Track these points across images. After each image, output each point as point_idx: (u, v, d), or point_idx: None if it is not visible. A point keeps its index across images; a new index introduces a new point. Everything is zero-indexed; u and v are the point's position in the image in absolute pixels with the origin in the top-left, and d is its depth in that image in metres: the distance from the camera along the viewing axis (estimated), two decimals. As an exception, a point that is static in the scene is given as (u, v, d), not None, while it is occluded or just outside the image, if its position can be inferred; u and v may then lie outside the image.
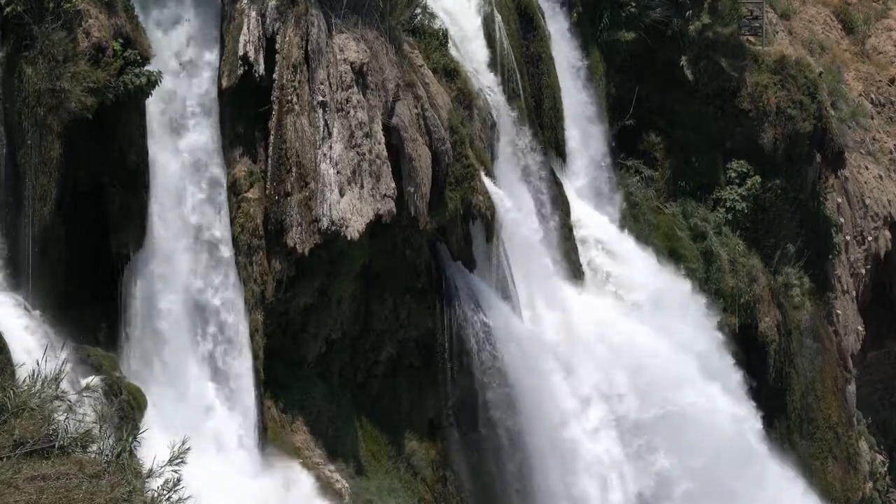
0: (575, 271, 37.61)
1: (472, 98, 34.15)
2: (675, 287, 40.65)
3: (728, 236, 43.65)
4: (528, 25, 38.16)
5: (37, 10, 24.72)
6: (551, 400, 33.90)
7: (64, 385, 14.16)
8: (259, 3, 28.62)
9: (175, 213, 27.53)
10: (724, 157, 44.41)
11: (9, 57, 24.91)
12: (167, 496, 12.98)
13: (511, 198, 34.72)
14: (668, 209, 43.18)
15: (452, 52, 34.46)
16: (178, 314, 27.50)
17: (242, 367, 28.16)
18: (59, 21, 24.89)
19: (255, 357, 28.34)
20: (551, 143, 38.55)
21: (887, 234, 51.53)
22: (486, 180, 33.49)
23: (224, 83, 28.11)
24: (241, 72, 28.24)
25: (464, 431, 33.05)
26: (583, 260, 38.31)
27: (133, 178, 26.39)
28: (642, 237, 40.99)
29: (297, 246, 28.51)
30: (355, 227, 28.92)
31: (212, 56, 28.31)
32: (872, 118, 53.72)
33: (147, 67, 26.03)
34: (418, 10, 33.23)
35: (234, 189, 28.43)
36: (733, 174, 44.24)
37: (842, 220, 48.51)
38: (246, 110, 28.80)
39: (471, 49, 35.83)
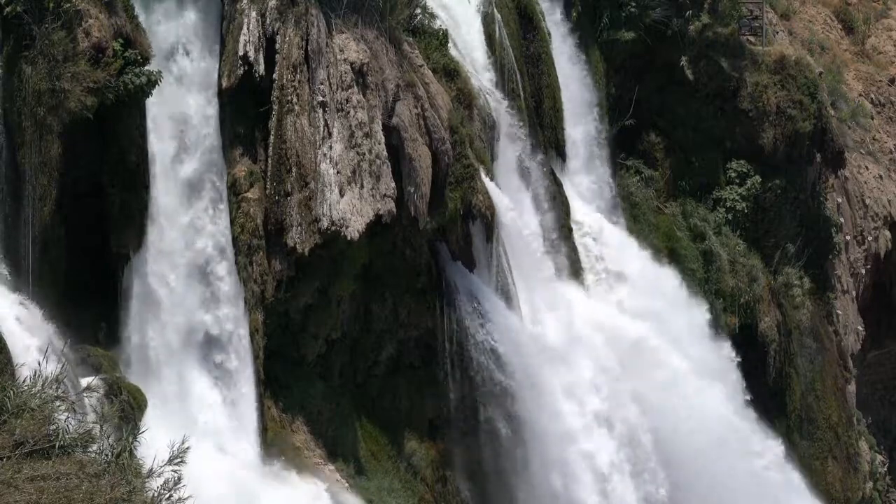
0: (574, 271, 37.61)
1: (472, 98, 34.14)
2: (675, 286, 40.67)
3: (728, 236, 43.65)
4: (528, 25, 38.17)
5: (37, 10, 24.72)
6: (551, 399, 33.89)
7: (65, 385, 14.15)
8: (259, 3, 28.61)
9: None
10: (724, 157, 44.41)
11: (9, 57, 24.91)
12: (167, 496, 12.97)
13: (511, 198, 34.72)
14: (668, 209, 43.18)
15: (452, 52, 34.45)
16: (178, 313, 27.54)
17: (242, 366, 28.15)
18: (59, 21, 24.89)
19: (255, 357, 28.33)
20: (551, 142, 38.55)
21: (887, 234, 51.53)
22: (486, 180, 33.48)
23: (224, 83, 28.11)
24: (241, 72, 28.24)
25: (464, 431, 33.04)
26: (582, 259, 38.30)
27: (133, 178, 26.40)
28: (642, 237, 41.00)
29: (297, 246, 28.51)
30: (355, 227, 28.92)
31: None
32: (872, 118, 53.72)
33: (147, 67, 26.02)
34: (418, 10, 33.22)
35: (234, 189, 28.43)
36: (733, 174, 44.25)
37: (842, 220, 48.51)
38: (246, 110, 28.80)
39: (471, 49, 35.83)
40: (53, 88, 24.79)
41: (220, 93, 28.18)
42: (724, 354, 41.00)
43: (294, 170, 28.57)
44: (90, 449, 13.29)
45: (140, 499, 12.79)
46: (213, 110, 28.19)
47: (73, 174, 25.64)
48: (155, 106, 26.75)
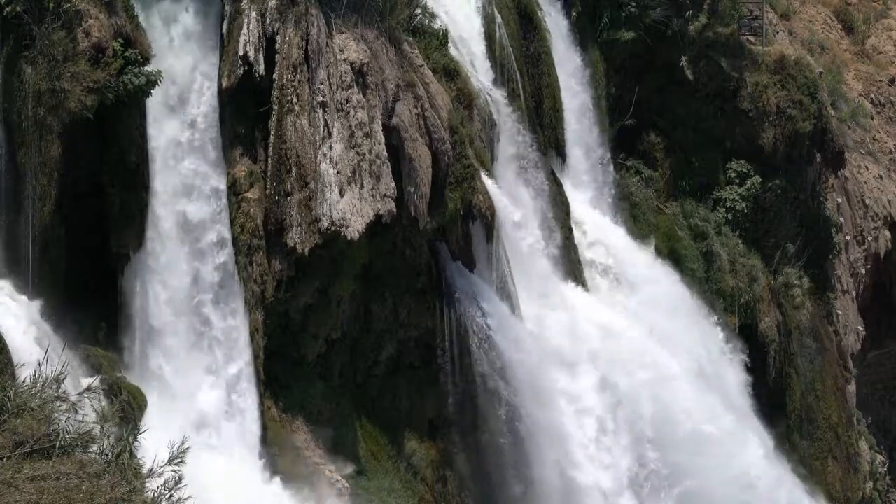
0: (575, 271, 37.60)
1: (472, 98, 34.13)
2: (674, 286, 40.70)
3: (728, 236, 43.65)
4: (528, 25, 38.17)
5: (37, 10, 24.72)
6: (551, 399, 33.90)
7: (65, 385, 14.15)
8: (259, 3, 28.60)
9: None
10: (724, 157, 44.42)
11: (9, 57, 24.90)
12: (168, 495, 12.97)
13: (511, 197, 34.72)
14: (668, 209, 43.18)
15: (452, 52, 34.45)
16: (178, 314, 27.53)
17: (242, 367, 28.15)
18: (59, 21, 24.89)
19: (255, 357, 28.33)
20: (551, 142, 38.55)
21: (887, 234, 51.53)
22: (486, 180, 33.48)
23: (224, 83, 28.10)
24: (241, 72, 28.23)
25: (464, 431, 33.03)
26: (582, 259, 38.30)
27: (133, 178, 26.40)
28: (642, 237, 41.00)
29: (297, 246, 28.50)
30: (355, 227, 28.91)
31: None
32: (872, 118, 53.72)
33: (147, 67, 26.01)
34: (418, 10, 33.21)
35: (234, 189, 28.42)
36: (733, 174, 44.25)
37: (842, 220, 48.51)
38: (246, 110, 28.79)
39: (471, 49, 35.83)
40: (53, 88, 24.80)
41: (220, 93, 28.18)
42: (726, 352, 41.03)
43: (294, 170, 28.57)
44: (90, 449, 13.29)
45: (140, 499, 12.79)
46: None
47: (73, 174, 25.64)
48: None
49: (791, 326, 44.72)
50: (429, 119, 31.00)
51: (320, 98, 28.97)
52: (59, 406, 13.73)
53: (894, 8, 58.60)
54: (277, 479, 28.18)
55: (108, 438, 13.43)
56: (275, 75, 28.67)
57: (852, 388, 48.61)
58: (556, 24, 39.88)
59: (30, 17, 24.65)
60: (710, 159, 44.21)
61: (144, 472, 13.18)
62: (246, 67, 28.27)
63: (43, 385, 13.61)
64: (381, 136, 29.76)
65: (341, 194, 28.85)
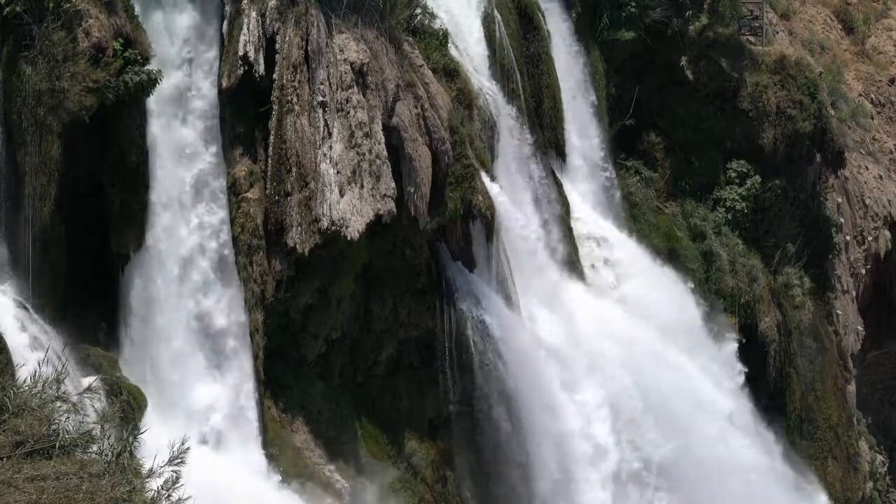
0: (575, 271, 37.60)
1: (472, 98, 34.13)
2: (674, 285, 40.70)
3: (728, 236, 43.65)
4: (528, 25, 38.17)
5: (37, 10, 24.72)
6: (551, 399, 33.90)
7: (65, 385, 14.16)
8: (259, 3, 28.60)
9: None
10: (724, 157, 44.42)
11: (9, 57, 24.90)
12: (166, 495, 12.97)
13: (511, 197, 34.71)
14: (668, 209, 43.18)
15: (452, 52, 34.45)
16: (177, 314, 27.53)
17: (242, 367, 28.15)
18: (59, 21, 24.89)
19: (255, 357, 28.33)
20: (551, 142, 38.55)
21: (887, 234, 51.53)
22: (487, 180, 33.48)
23: (224, 83, 28.10)
24: (241, 72, 28.23)
25: (464, 431, 33.03)
26: (582, 259, 38.30)
27: (133, 178, 26.40)
28: (642, 237, 41.00)
29: (297, 246, 28.50)
30: (355, 227, 28.91)
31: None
32: (872, 118, 53.72)
33: (147, 66, 26.01)
34: (418, 10, 33.21)
35: (234, 189, 28.42)
36: (733, 174, 44.25)
37: (842, 220, 48.51)
38: (246, 110, 28.79)
39: (471, 49, 35.82)
40: (53, 88, 24.80)
41: (220, 93, 28.18)
42: (725, 350, 41.04)
43: (294, 170, 28.57)
44: (90, 449, 13.29)
45: (140, 499, 12.80)
46: None
47: (73, 174, 25.63)
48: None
49: (791, 326, 44.72)
50: (429, 119, 31.00)
51: (320, 98, 28.97)
52: (60, 406, 13.74)
53: (894, 8, 58.61)
54: (277, 479, 28.17)
55: (108, 438, 13.43)
56: (275, 75, 28.68)
57: (852, 388, 48.61)
58: (556, 24, 39.88)
59: (30, 17, 24.65)
60: (710, 159, 44.21)
61: (144, 471, 13.19)
62: (246, 67, 28.27)
63: (43, 385, 13.61)
64: (381, 136, 29.76)
65: (341, 194, 28.85)
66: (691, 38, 43.33)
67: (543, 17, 38.90)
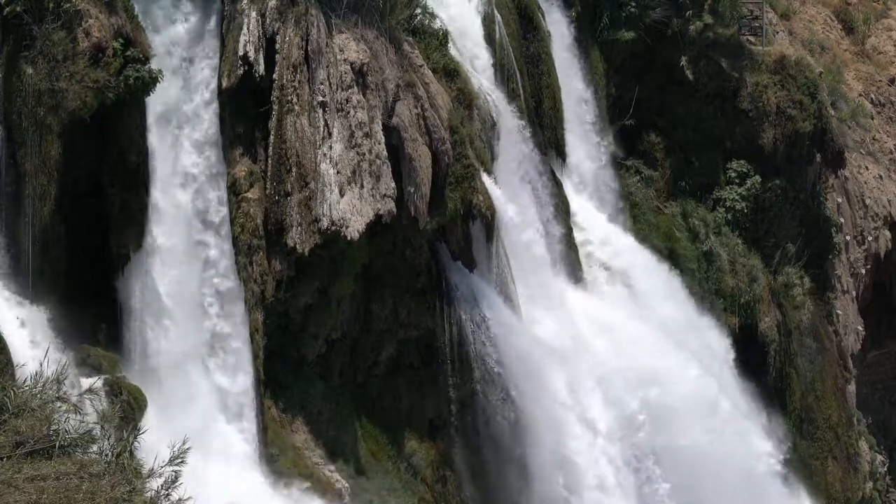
0: (575, 270, 37.60)
1: (472, 98, 34.13)
2: (675, 284, 40.73)
3: (728, 236, 43.64)
4: (528, 25, 38.17)
5: (37, 10, 24.73)
6: (551, 399, 33.89)
7: (65, 385, 14.16)
8: (259, 3, 28.61)
9: None
10: (724, 157, 44.42)
11: (9, 57, 24.91)
12: (166, 494, 12.97)
13: (511, 197, 34.71)
14: (668, 209, 43.18)
15: (452, 52, 34.45)
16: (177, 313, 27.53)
17: (242, 367, 28.15)
18: (59, 21, 24.89)
19: (255, 357, 28.32)
20: (551, 142, 38.55)
21: (887, 234, 51.51)
22: (487, 180, 33.48)
23: (224, 83, 28.11)
24: (241, 72, 28.23)
25: (464, 431, 33.03)
26: (583, 259, 38.30)
27: (133, 178, 26.40)
28: (642, 237, 40.99)
29: (297, 246, 28.50)
30: (355, 227, 28.91)
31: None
32: (872, 118, 53.71)
33: (147, 66, 26.01)
34: (418, 10, 33.21)
35: (234, 189, 28.42)
36: (733, 174, 44.25)
37: (842, 220, 48.50)
38: (246, 110, 28.79)
39: (471, 49, 35.83)
40: (53, 88, 24.80)
41: (221, 93, 28.18)
42: (722, 347, 41.08)
43: (294, 170, 28.57)
44: (90, 449, 13.29)
45: (140, 499, 12.79)
46: None
47: (73, 174, 25.63)
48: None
49: (791, 326, 44.72)
50: (429, 119, 31.00)
51: (320, 98, 28.98)
52: (60, 406, 13.73)
53: (894, 8, 58.60)
54: (277, 480, 28.17)
55: (109, 438, 13.43)
56: (275, 75, 28.68)
57: (852, 388, 48.60)
58: (556, 24, 39.89)
59: (30, 17, 24.66)
60: (710, 159, 44.21)
61: (145, 471, 13.19)
62: (246, 67, 28.28)
63: (43, 385, 13.61)
64: (381, 136, 29.77)
65: (341, 194, 28.86)
66: (691, 38, 43.33)
67: (543, 17, 38.91)
